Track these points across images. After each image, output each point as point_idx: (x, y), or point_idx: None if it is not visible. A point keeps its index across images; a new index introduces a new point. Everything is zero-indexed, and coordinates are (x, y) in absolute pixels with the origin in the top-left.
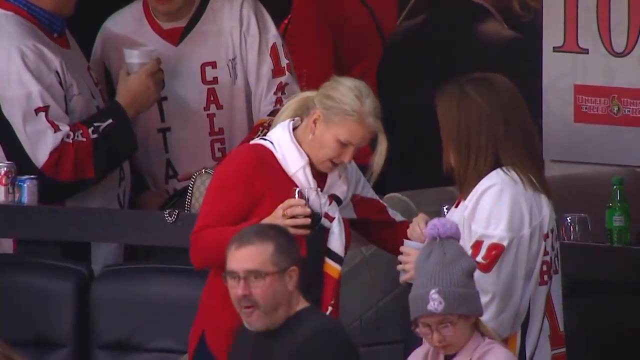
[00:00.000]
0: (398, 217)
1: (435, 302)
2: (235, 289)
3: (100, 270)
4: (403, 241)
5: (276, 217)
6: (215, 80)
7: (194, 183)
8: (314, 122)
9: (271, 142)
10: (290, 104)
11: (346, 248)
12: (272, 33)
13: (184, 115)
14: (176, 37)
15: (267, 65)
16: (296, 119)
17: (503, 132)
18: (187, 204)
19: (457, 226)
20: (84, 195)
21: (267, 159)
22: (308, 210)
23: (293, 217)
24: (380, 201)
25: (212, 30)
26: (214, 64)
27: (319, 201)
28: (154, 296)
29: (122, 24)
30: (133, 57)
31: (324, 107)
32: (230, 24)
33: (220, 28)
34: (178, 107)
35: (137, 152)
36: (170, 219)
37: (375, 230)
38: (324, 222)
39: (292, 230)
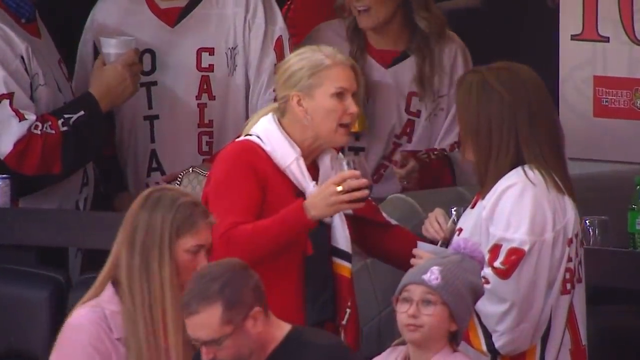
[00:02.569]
0: (393, 222)
1: (432, 275)
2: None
3: (78, 278)
4: (417, 243)
5: (330, 193)
6: (210, 67)
7: (181, 183)
8: (298, 103)
9: (257, 137)
10: (256, 115)
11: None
12: (279, 25)
13: (173, 103)
14: (173, 17)
15: (270, 58)
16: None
17: (527, 125)
18: None
19: (483, 256)
20: (39, 198)
21: (259, 152)
22: (366, 181)
23: (349, 191)
24: (372, 202)
25: (213, 14)
26: (211, 51)
27: (367, 169)
28: None
29: (116, 3)
30: (110, 47)
31: (296, 84)
32: (235, 10)
33: (222, 13)
34: (168, 93)
35: (119, 140)
36: None
37: (371, 235)
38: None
39: (348, 206)
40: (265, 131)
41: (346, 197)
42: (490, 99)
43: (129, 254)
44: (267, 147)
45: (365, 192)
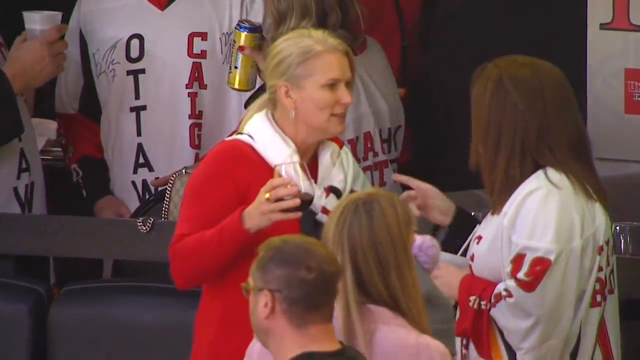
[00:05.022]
0: None
1: None
2: None
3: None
4: None
5: (260, 202)
6: (203, 54)
7: (173, 186)
8: (286, 94)
9: (249, 136)
10: (252, 108)
11: None
12: None
13: (162, 92)
14: (164, 0)
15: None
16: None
17: (536, 134)
18: (165, 211)
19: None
20: None
21: (247, 153)
22: (295, 190)
23: (279, 199)
24: None
25: None
26: (204, 36)
27: (308, 177)
28: (125, 320)
29: None
30: (34, 22)
31: (284, 73)
32: None
33: None
34: (156, 82)
35: (105, 137)
36: (144, 228)
37: None
38: (323, 217)
39: (280, 215)
40: (257, 129)
41: (274, 206)
42: (504, 103)
43: None
44: (259, 147)
45: (296, 200)
